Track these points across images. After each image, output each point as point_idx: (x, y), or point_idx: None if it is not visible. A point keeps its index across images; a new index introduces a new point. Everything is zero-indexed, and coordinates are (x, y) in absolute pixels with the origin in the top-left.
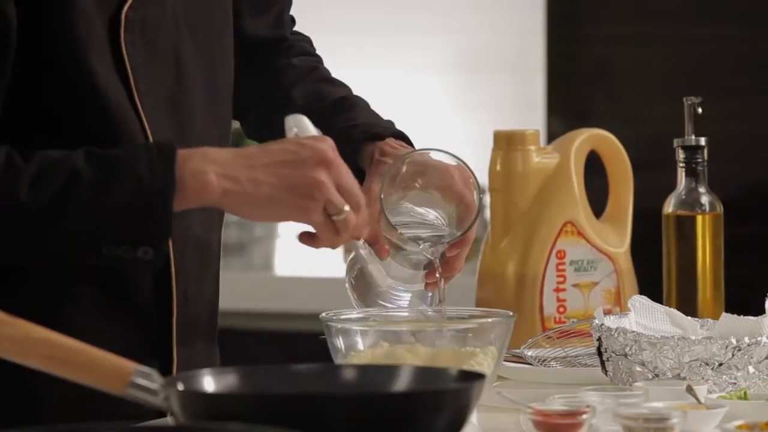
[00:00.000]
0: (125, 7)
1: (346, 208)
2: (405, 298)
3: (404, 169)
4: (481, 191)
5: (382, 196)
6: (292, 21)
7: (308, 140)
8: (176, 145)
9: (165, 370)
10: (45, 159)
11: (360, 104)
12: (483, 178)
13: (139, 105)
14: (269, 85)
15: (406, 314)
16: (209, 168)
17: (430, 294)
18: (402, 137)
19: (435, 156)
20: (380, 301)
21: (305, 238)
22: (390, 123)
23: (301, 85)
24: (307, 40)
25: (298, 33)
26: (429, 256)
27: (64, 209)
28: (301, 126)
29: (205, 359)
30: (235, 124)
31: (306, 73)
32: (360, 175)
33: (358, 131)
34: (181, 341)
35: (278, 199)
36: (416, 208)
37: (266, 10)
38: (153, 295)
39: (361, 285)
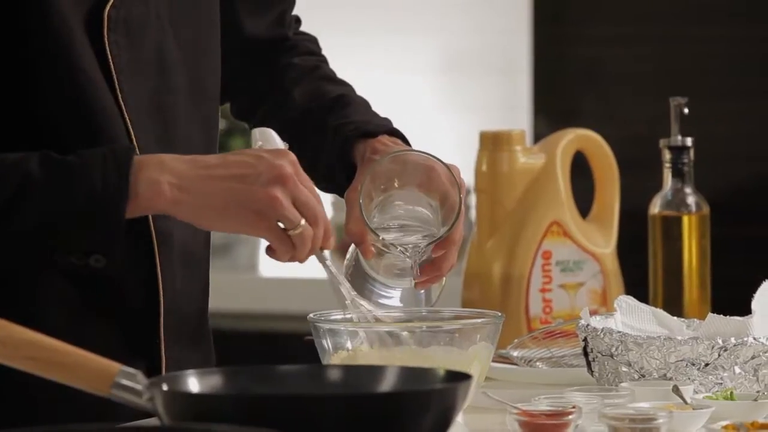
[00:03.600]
0: (107, 7)
1: (302, 222)
2: (395, 295)
3: (385, 167)
4: (465, 190)
5: (361, 196)
6: (297, 21)
7: (268, 154)
8: (133, 151)
9: (154, 373)
10: (0, 161)
11: (357, 102)
12: (469, 179)
13: (123, 106)
14: (270, 85)
15: (393, 315)
16: (163, 178)
17: (422, 292)
18: (397, 135)
19: (418, 156)
20: (373, 298)
21: (269, 251)
22: (385, 120)
23: (302, 85)
24: (313, 40)
25: (303, 33)
26: (408, 258)
27: (15, 213)
28: (267, 139)
29: (196, 361)
30: (221, 125)
31: (307, 72)
32: (352, 174)
33: (350, 128)
34: (170, 343)
35: (229, 213)
36: (406, 204)
37: (267, 10)
38: (140, 297)
39: (356, 283)
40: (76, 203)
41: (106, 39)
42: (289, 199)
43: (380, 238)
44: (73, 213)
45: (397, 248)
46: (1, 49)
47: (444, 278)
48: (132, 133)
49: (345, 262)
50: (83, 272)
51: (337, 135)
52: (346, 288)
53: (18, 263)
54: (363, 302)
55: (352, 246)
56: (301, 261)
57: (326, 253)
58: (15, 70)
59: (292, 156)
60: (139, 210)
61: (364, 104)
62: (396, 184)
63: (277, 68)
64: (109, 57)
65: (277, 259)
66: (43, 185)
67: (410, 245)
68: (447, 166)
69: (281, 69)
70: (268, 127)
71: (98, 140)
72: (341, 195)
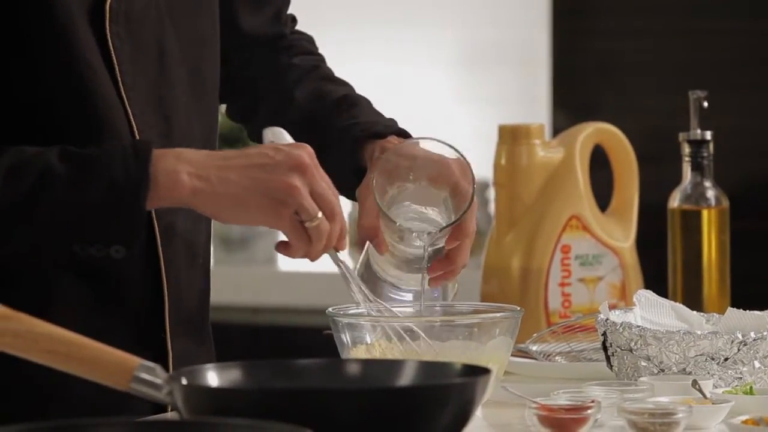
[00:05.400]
0: None
1: (320, 215)
2: (407, 298)
3: (396, 161)
4: (473, 180)
5: (375, 188)
6: (293, 20)
7: (285, 146)
8: (154, 143)
9: (160, 364)
10: (19, 153)
11: (362, 103)
12: (488, 173)
13: (125, 98)
14: (271, 85)
15: (412, 309)
16: (182, 167)
17: (436, 293)
18: (404, 135)
19: (427, 145)
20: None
21: (281, 247)
22: (392, 121)
23: (303, 85)
24: (309, 39)
25: (299, 32)
26: (421, 242)
27: (36, 206)
28: (278, 138)
29: (199, 352)
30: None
31: (307, 72)
32: (362, 175)
33: (358, 129)
34: (175, 334)
35: (248, 201)
36: (414, 205)
37: (263, 7)
38: (145, 291)
39: (368, 287)
40: (97, 193)
41: (108, 31)
42: (308, 189)
43: (396, 224)
44: (94, 203)
45: (412, 233)
46: (4, 41)
47: (457, 278)
48: (134, 125)
49: (357, 266)
50: (102, 264)
51: (345, 136)
52: (359, 289)
53: (38, 256)
54: (378, 305)
55: (363, 251)
56: (314, 258)
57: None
58: (18, 62)
59: (310, 149)
60: (159, 200)
61: (369, 104)
62: (409, 178)
63: (278, 68)
64: (111, 49)
65: (290, 255)
66: (63, 176)
67: (425, 231)
68: (459, 155)
69: (282, 69)
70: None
71: (100, 132)
72: (349, 197)
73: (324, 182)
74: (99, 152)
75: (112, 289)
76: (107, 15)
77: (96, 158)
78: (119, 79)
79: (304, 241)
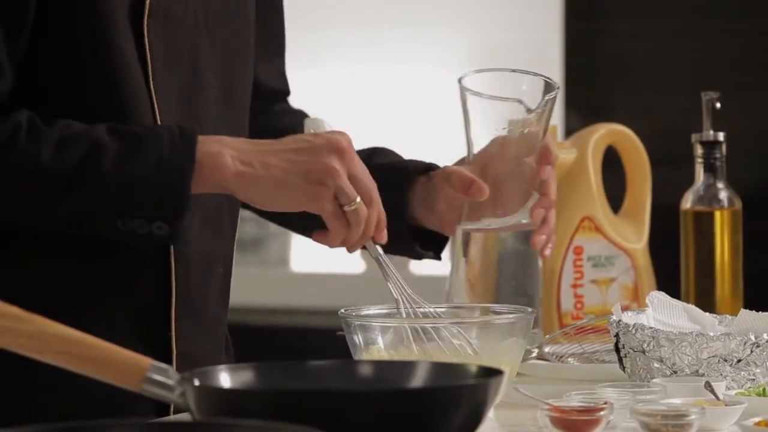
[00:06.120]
0: None
1: (358, 199)
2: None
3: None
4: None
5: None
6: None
7: (324, 132)
8: (197, 128)
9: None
10: (68, 127)
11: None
12: None
13: (153, 94)
14: (291, 131)
15: (425, 311)
16: (225, 151)
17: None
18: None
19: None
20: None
21: (318, 235)
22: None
23: None
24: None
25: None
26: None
27: (84, 178)
28: (318, 127)
29: (208, 356)
30: None
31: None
32: (400, 221)
33: (411, 165)
34: (181, 335)
35: (290, 183)
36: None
37: (272, 59)
38: (153, 287)
39: None
40: (144, 168)
41: (145, 25)
42: (346, 173)
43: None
44: (141, 178)
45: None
46: (44, 27)
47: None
48: (159, 122)
49: None
50: (144, 242)
51: (395, 171)
52: (397, 284)
53: (81, 227)
54: (414, 298)
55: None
56: (352, 247)
57: (379, 248)
58: (56, 48)
59: (348, 135)
60: (203, 182)
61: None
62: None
63: (297, 117)
64: (147, 44)
65: (329, 243)
66: (112, 149)
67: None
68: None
69: (300, 117)
70: None
71: (125, 123)
72: (401, 232)
73: (362, 167)
74: (146, 130)
75: (120, 287)
76: (146, 10)
77: (144, 135)
78: (150, 75)
79: (343, 224)
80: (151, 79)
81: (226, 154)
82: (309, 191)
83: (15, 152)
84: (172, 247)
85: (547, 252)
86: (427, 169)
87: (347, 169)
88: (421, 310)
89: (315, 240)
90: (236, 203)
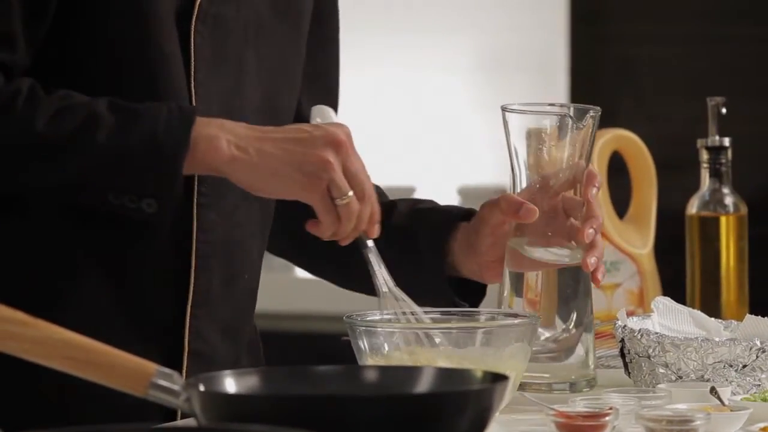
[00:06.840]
0: None
1: (350, 193)
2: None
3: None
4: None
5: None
6: None
7: (325, 124)
8: (197, 109)
9: (174, 362)
10: (68, 97)
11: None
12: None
13: (194, 96)
14: None
15: (430, 315)
16: (222, 135)
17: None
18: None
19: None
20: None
21: (311, 225)
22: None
23: None
24: None
25: None
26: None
27: (77, 148)
28: (324, 116)
29: (223, 357)
30: None
31: None
32: (438, 266)
33: (455, 210)
34: (195, 334)
35: (283, 173)
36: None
37: (320, 99)
38: (171, 283)
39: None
40: (137, 143)
41: (192, 27)
42: (341, 166)
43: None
44: (133, 152)
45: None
46: (90, 24)
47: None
48: None
49: None
50: (133, 217)
51: (439, 215)
52: (382, 279)
53: (73, 196)
54: (400, 294)
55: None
56: (343, 240)
57: (369, 242)
58: (101, 46)
59: (347, 128)
60: (196, 164)
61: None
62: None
63: None
64: (192, 45)
65: (320, 233)
66: (107, 123)
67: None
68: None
69: None
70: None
71: None
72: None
73: (358, 162)
74: (146, 107)
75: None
76: (195, 11)
77: (142, 111)
78: (193, 75)
79: (333, 217)
80: (193, 80)
81: (222, 138)
82: (301, 182)
83: (11, 115)
84: (194, 241)
85: (600, 276)
86: (468, 213)
87: (342, 162)
88: (409, 308)
89: (308, 229)
90: (269, 217)
